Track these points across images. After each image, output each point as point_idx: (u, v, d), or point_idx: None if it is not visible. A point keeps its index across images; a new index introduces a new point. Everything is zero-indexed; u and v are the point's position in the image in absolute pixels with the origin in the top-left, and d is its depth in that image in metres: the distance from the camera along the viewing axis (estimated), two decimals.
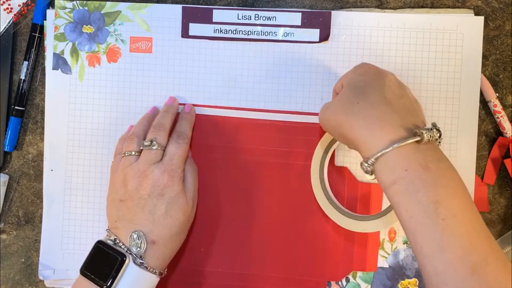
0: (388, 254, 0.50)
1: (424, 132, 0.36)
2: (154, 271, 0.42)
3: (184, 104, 0.50)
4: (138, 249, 0.42)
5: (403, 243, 0.50)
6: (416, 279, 0.50)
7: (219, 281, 0.50)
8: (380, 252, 0.50)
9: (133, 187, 0.43)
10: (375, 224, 0.47)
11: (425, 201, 0.34)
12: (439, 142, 0.38)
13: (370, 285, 0.50)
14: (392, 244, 0.50)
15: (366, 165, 0.36)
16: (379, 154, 0.36)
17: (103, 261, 0.42)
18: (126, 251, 0.42)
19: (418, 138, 0.36)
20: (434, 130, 0.37)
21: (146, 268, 0.42)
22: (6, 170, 0.53)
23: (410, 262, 0.50)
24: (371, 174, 0.37)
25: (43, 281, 0.52)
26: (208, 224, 0.50)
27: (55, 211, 0.52)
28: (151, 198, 0.43)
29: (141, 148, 0.45)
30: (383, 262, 0.50)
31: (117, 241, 0.43)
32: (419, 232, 0.34)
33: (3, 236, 0.54)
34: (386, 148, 0.35)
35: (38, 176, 0.53)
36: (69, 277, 0.52)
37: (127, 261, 0.41)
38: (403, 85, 0.42)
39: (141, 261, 0.42)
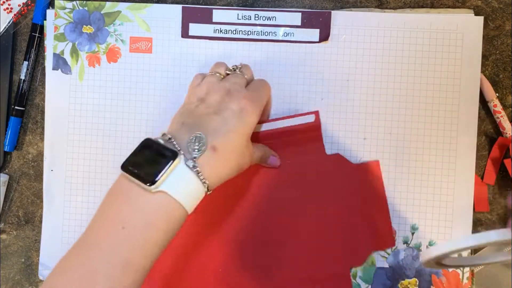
0: (388, 254, 0.50)
1: None
2: (205, 181, 0.38)
3: None
4: (195, 151, 0.38)
5: (403, 243, 0.50)
6: (416, 279, 0.50)
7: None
8: (380, 252, 0.50)
9: (216, 99, 0.41)
10: None
11: None
12: None
13: (370, 285, 0.50)
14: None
15: None
16: None
17: (151, 158, 0.37)
18: (179, 150, 0.38)
19: None
20: None
21: (198, 173, 0.37)
22: (6, 170, 0.54)
23: (410, 262, 0.50)
24: None
25: (43, 281, 0.52)
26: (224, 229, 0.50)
27: (55, 211, 0.52)
28: (228, 110, 0.40)
29: (227, 72, 0.45)
30: (383, 262, 0.50)
31: (172, 139, 0.39)
32: None
33: (3, 236, 0.54)
34: None
35: (38, 176, 0.53)
36: None
37: (177, 159, 0.37)
38: None
39: (193, 164, 0.37)
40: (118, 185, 0.39)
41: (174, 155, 0.37)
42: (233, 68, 0.46)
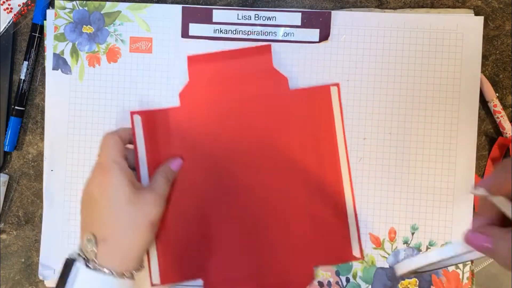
0: (388, 254, 0.50)
1: None
2: (109, 269, 0.40)
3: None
4: (91, 251, 0.40)
5: (403, 243, 0.50)
6: (416, 279, 0.50)
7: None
8: (380, 252, 0.50)
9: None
10: None
11: None
12: None
13: (370, 285, 0.50)
14: (392, 244, 0.50)
15: None
16: None
17: (60, 273, 0.41)
18: (79, 255, 0.40)
19: None
20: None
21: (97, 269, 0.40)
22: (6, 170, 0.54)
23: None
24: None
25: (43, 281, 0.52)
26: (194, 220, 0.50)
27: (55, 211, 0.52)
28: (97, 202, 0.43)
29: None
30: (383, 262, 0.50)
31: (79, 252, 0.41)
32: None
33: (3, 236, 0.54)
34: None
35: (38, 176, 0.53)
36: None
37: (74, 266, 0.40)
38: None
39: (94, 264, 0.40)
40: None
41: (71, 262, 0.40)
42: None
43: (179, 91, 0.50)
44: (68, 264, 0.40)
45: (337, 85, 0.50)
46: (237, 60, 0.50)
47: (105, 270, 0.39)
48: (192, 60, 0.51)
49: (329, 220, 0.49)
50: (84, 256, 0.40)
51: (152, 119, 0.49)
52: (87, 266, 0.40)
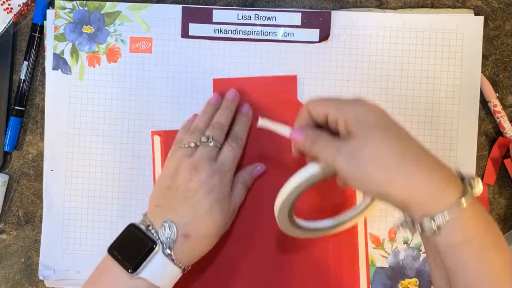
0: (388, 254, 0.50)
1: (476, 180, 0.34)
2: (180, 265, 0.42)
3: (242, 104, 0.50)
4: (168, 240, 0.41)
5: (403, 243, 0.50)
6: (417, 279, 0.50)
7: None
8: (380, 252, 0.50)
9: (184, 178, 0.43)
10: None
11: (499, 262, 0.32)
12: None
13: (370, 285, 0.50)
14: (392, 244, 0.50)
15: (430, 225, 0.32)
16: (449, 211, 0.32)
17: (133, 244, 0.41)
18: (158, 239, 0.41)
19: (471, 193, 0.33)
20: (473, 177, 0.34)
21: (173, 260, 0.41)
22: (6, 170, 0.54)
23: (410, 262, 0.50)
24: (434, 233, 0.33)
25: (43, 281, 0.52)
26: None
27: (55, 211, 0.52)
28: (198, 193, 0.42)
29: (198, 143, 0.45)
30: (383, 262, 0.50)
31: (150, 227, 0.42)
32: None
33: (3, 236, 0.54)
34: (458, 204, 0.32)
35: (38, 176, 0.53)
36: (69, 277, 0.52)
37: (156, 248, 0.40)
38: None
39: (169, 252, 0.41)
40: (104, 266, 0.42)
41: (152, 244, 0.41)
42: (206, 137, 0.45)
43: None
44: (150, 247, 0.40)
45: None
46: (262, 88, 0.50)
47: (180, 265, 0.42)
48: (218, 84, 0.51)
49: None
50: (162, 241, 0.41)
51: (172, 139, 0.49)
52: (163, 252, 0.41)
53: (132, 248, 0.41)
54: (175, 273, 0.42)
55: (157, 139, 0.51)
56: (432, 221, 0.32)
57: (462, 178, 0.34)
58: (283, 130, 0.41)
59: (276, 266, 0.50)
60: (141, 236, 0.41)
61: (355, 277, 0.50)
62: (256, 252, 0.50)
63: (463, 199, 0.32)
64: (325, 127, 0.39)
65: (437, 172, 0.33)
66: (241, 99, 0.50)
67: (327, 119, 0.38)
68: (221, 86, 0.50)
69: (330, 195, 0.50)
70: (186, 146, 0.45)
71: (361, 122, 0.35)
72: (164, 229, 0.41)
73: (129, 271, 0.40)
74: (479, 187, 0.33)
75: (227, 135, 0.47)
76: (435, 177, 0.33)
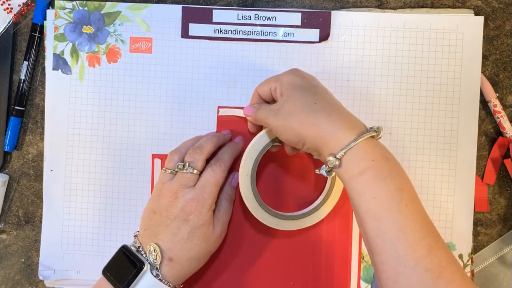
0: None
1: (379, 127, 0.40)
2: (169, 284, 0.43)
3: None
4: (154, 261, 0.43)
5: None
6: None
7: None
8: None
9: (164, 204, 0.44)
10: (302, 222, 0.48)
11: (392, 188, 0.37)
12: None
13: (370, 285, 0.50)
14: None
15: (334, 159, 0.38)
16: (348, 147, 0.38)
17: (124, 265, 0.43)
18: (147, 260, 0.43)
19: (374, 133, 0.39)
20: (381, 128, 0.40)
21: (161, 280, 0.43)
22: (6, 170, 0.54)
23: None
24: (337, 168, 0.39)
25: (43, 281, 0.52)
26: None
27: (55, 211, 0.52)
28: (176, 220, 0.44)
29: (175, 170, 0.45)
30: None
31: (140, 249, 0.44)
32: (384, 217, 0.37)
33: (3, 236, 0.54)
34: (355, 141, 0.38)
35: (38, 176, 0.53)
36: (69, 277, 0.52)
37: (144, 268, 0.43)
38: None
39: (157, 272, 0.43)
40: (99, 285, 0.45)
41: (141, 265, 0.43)
42: (183, 164, 0.45)
43: None
44: (139, 267, 0.43)
45: None
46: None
47: (169, 284, 0.43)
48: (222, 120, 0.51)
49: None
50: (150, 262, 0.43)
51: None
52: (151, 272, 0.43)
53: (122, 268, 0.43)
54: None
55: (157, 162, 0.51)
56: (334, 158, 0.38)
57: (371, 128, 0.40)
58: (238, 112, 0.50)
59: (266, 264, 0.51)
60: (131, 258, 0.43)
61: (346, 274, 0.50)
62: (246, 252, 0.51)
63: (359, 138, 0.38)
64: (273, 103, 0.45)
65: (342, 119, 0.40)
66: (243, 137, 0.50)
67: (271, 94, 0.45)
68: (225, 122, 0.51)
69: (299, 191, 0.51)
70: (166, 172, 0.45)
71: (289, 84, 0.43)
72: (150, 252, 0.43)
73: None
74: (380, 132, 0.40)
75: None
76: (339, 123, 0.39)
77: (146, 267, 0.43)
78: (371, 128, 0.40)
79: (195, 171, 0.44)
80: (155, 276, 0.43)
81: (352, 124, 0.39)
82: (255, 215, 0.47)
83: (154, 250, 0.43)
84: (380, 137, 0.40)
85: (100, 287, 0.44)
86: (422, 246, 0.36)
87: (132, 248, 0.45)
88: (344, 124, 0.39)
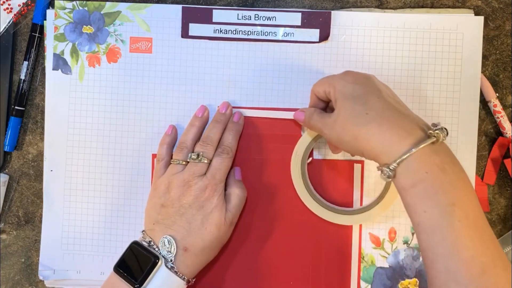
0: (388, 254, 0.50)
1: (438, 132, 0.37)
2: (183, 277, 0.44)
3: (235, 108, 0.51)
4: (169, 253, 0.44)
5: (403, 243, 0.50)
6: (417, 279, 0.50)
7: None
8: (380, 252, 0.50)
9: (176, 195, 0.45)
10: (354, 219, 0.49)
11: (443, 203, 0.36)
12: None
13: (370, 285, 0.50)
14: (392, 244, 0.50)
15: (388, 170, 0.37)
16: (400, 159, 0.36)
17: (136, 261, 0.44)
18: (160, 254, 0.44)
19: (434, 139, 0.37)
20: (444, 129, 0.38)
21: (176, 272, 0.43)
22: (6, 170, 0.54)
23: (410, 262, 0.50)
24: (393, 178, 0.38)
25: (43, 281, 0.52)
26: None
27: (55, 211, 0.52)
28: (191, 208, 0.45)
29: (188, 160, 0.46)
30: (383, 262, 0.50)
31: (152, 243, 0.44)
32: (436, 232, 0.36)
33: (3, 236, 0.54)
34: (407, 153, 0.36)
35: (38, 176, 0.53)
36: (69, 277, 0.52)
37: (159, 263, 0.43)
38: (388, 87, 0.43)
39: (171, 265, 0.43)
40: (110, 283, 0.45)
41: (155, 259, 0.43)
42: (196, 154, 0.46)
43: None
44: (153, 262, 0.43)
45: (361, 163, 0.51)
46: (266, 129, 0.51)
47: (184, 277, 0.44)
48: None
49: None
50: (164, 255, 0.44)
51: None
52: (165, 265, 0.43)
53: (136, 264, 0.44)
54: (179, 285, 0.44)
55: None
56: (388, 169, 0.37)
57: (430, 129, 0.38)
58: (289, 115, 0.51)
59: (267, 263, 0.51)
60: (144, 253, 0.44)
61: (346, 274, 0.50)
62: (246, 252, 0.51)
63: (413, 149, 0.36)
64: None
65: (394, 128, 0.38)
66: (243, 135, 0.50)
67: (326, 96, 0.44)
68: None
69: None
70: (175, 163, 0.47)
71: (341, 93, 0.41)
72: (164, 244, 0.44)
73: (136, 286, 0.43)
74: (442, 134, 0.37)
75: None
76: (391, 133, 0.37)
77: (161, 261, 0.43)
78: (433, 128, 0.37)
79: (206, 161, 0.46)
80: (170, 269, 0.43)
81: (406, 132, 0.37)
82: (316, 213, 0.49)
83: (169, 242, 0.44)
84: (442, 141, 0.38)
85: (112, 285, 0.44)
86: (476, 264, 0.34)
87: (144, 243, 0.45)
88: (396, 134, 0.37)
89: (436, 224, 0.36)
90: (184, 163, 0.47)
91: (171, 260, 0.43)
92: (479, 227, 0.36)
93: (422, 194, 0.36)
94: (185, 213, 0.45)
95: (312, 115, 0.45)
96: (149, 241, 0.45)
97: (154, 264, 0.43)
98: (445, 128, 0.38)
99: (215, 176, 0.46)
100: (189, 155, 0.46)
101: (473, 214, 0.36)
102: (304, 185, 0.49)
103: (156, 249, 0.44)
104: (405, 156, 0.36)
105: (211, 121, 0.50)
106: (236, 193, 0.47)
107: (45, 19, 0.52)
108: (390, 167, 0.37)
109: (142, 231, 0.46)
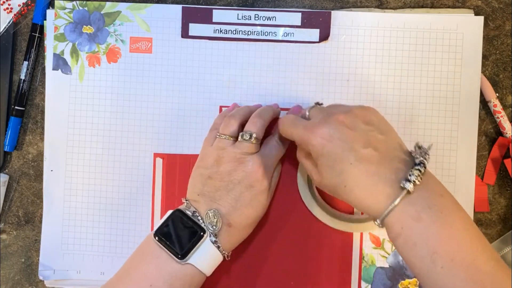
0: (388, 254, 0.50)
1: (410, 181, 0.36)
2: (224, 252, 0.43)
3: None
4: (214, 227, 0.42)
5: None
6: (417, 279, 0.50)
7: None
8: (380, 252, 0.50)
9: (226, 169, 0.44)
10: (359, 227, 0.49)
11: (423, 253, 0.36)
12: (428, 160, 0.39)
13: (370, 285, 0.50)
14: (392, 244, 0.50)
15: (377, 223, 0.38)
16: (380, 218, 0.38)
17: (181, 231, 0.42)
18: (205, 226, 0.42)
19: (405, 192, 0.37)
20: (421, 165, 0.37)
21: (218, 247, 0.42)
22: (6, 170, 0.54)
23: None
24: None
25: (43, 281, 0.52)
26: None
27: (55, 211, 0.52)
28: (240, 185, 0.44)
29: (239, 138, 0.45)
30: (383, 262, 0.50)
31: (196, 214, 0.43)
32: (423, 279, 0.37)
33: (3, 236, 0.54)
34: (382, 214, 0.37)
35: (38, 176, 0.53)
36: (69, 277, 0.52)
37: (205, 236, 0.42)
38: (381, 117, 0.42)
39: (215, 239, 0.42)
40: (148, 248, 0.43)
41: (201, 232, 0.42)
42: (249, 134, 0.45)
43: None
44: (199, 234, 0.42)
45: None
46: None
47: (224, 252, 0.43)
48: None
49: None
50: (208, 229, 0.42)
51: (173, 162, 0.51)
52: (210, 240, 0.42)
53: (178, 234, 0.42)
54: (218, 260, 0.43)
55: (159, 161, 0.51)
56: (376, 222, 0.38)
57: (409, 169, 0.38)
58: None
59: (267, 263, 0.50)
60: (189, 223, 0.42)
61: (346, 274, 0.50)
62: (246, 252, 0.51)
63: (385, 211, 0.37)
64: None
65: (370, 193, 0.38)
66: None
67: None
68: None
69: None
70: (223, 137, 0.45)
71: (317, 154, 0.40)
72: (209, 217, 0.42)
73: (178, 257, 0.41)
74: (416, 179, 0.37)
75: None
76: (368, 198, 0.38)
77: (207, 233, 0.42)
78: (406, 181, 0.37)
79: (256, 141, 0.45)
80: (213, 243, 0.42)
81: (379, 193, 0.37)
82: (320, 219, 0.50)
83: (215, 216, 0.42)
84: (418, 184, 0.37)
85: (151, 253, 0.42)
86: None
87: (187, 212, 0.43)
88: (374, 198, 0.38)
89: (421, 272, 0.36)
90: (232, 139, 0.45)
91: (215, 235, 0.42)
92: (465, 266, 0.35)
93: (403, 247, 0.37)
94: (233, 189, 0.44)
95: (301, 158, 0.45)
96: (194, 211, 0.43)
97: (200, 237, 0.41)
98: (424, 154, 0.38)
99: (269, 159, 0.45)
100: (241, 134, 0.45)
101: (459, 254, 0.35)
102: (308, 188, 0.49)
103: (201, 221, 0.42)
104: (382, 217, 0.37)
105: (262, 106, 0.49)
106: (275, 174, 0.48)
107: (45, 19, 0.52)
108: (377, 222, 0.38)
109: (186, 200, 0.44)
